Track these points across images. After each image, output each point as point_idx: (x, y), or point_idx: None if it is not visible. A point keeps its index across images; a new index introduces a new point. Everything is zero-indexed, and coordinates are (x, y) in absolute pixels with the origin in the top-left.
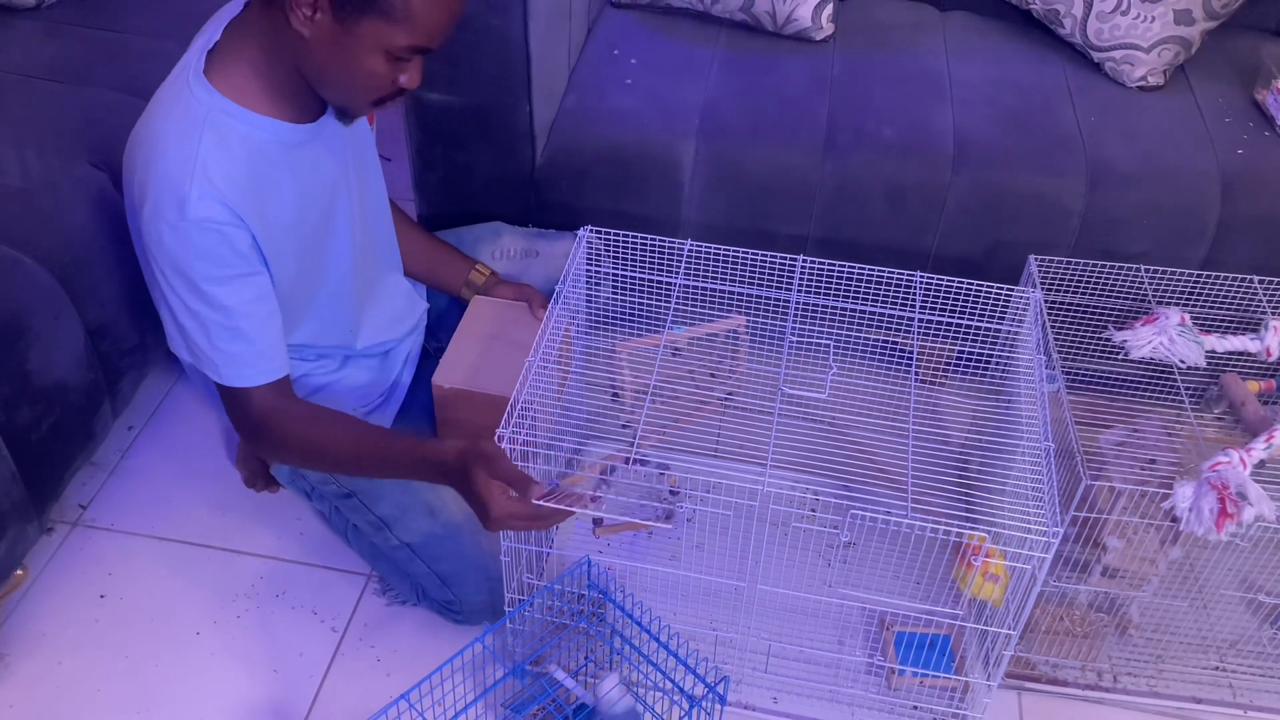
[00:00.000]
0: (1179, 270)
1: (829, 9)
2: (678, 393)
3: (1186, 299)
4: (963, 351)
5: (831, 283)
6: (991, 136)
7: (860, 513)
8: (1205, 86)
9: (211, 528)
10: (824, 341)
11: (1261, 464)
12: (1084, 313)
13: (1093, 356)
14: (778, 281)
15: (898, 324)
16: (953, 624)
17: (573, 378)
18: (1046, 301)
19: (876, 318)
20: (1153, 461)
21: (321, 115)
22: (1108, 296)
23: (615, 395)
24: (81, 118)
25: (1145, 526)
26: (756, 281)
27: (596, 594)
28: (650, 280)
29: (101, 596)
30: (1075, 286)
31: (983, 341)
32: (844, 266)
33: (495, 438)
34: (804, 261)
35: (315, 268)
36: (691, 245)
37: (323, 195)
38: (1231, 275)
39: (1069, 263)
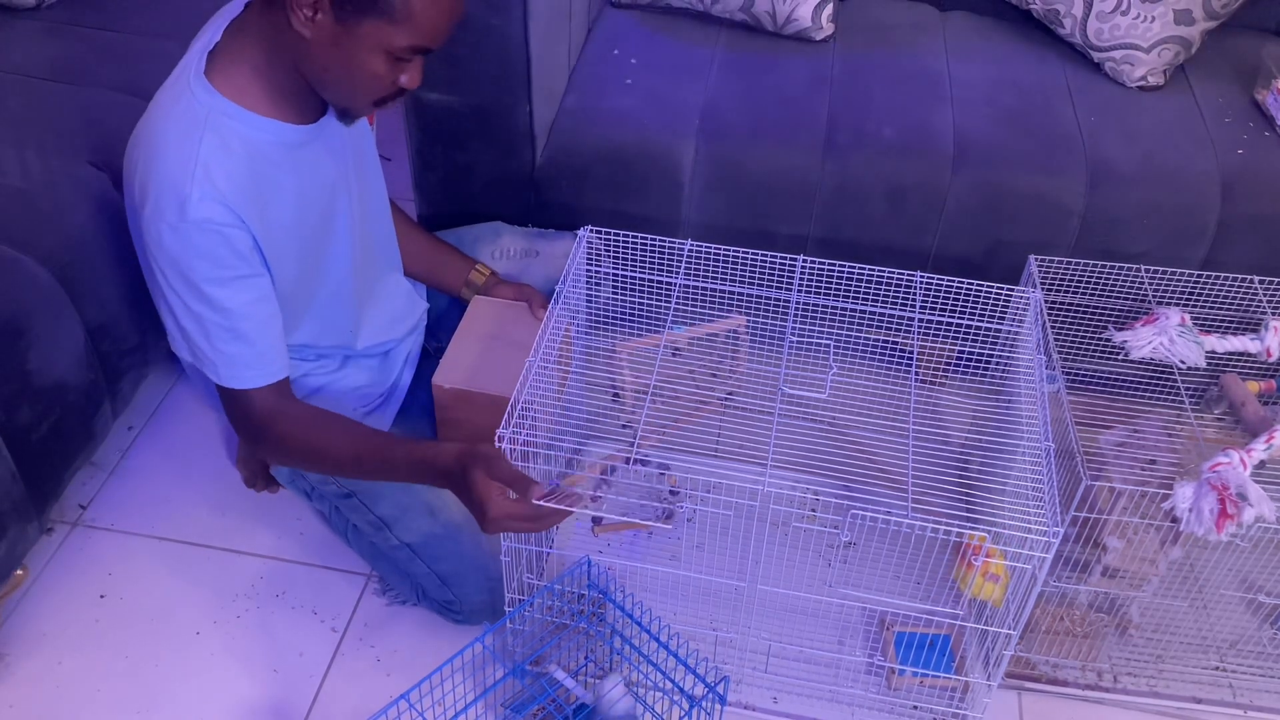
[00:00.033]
0: (1179, 270)
1: (829, 9)
2: (678, 393)
3: (1186, 299)
4: (963, 351)
5: (831, 283)
6: (991, 136)
7: (860, 513)
8: (1205, 86)
9: (211, 528)
10: (824, 341)
11: (1261, 464)
12: (1084, 313)
13: (1093, 356)
14: (778, 281)
15: (898, 324)
16: (953, 624)
17: (573, 378)
18: (1046, 301)
19: (876, 318)
20: (1153, 462)
21: (322, 116)
22: (1108, 296)
23: (616, 395)
24: (81, 118)
25: (1145, 527)
26: (756, 281)
27: (596, 594)
28: (650, 280)
29: (101, 596)
30: (1075, 286)
31: (983, 341)
32: (844, 266)
33: (495, 438)
34: (804, 261)
35: (315, 268)
36: (691, 245)
37: (323, 196)
38: (1231, 275)
39: (1069, 263)
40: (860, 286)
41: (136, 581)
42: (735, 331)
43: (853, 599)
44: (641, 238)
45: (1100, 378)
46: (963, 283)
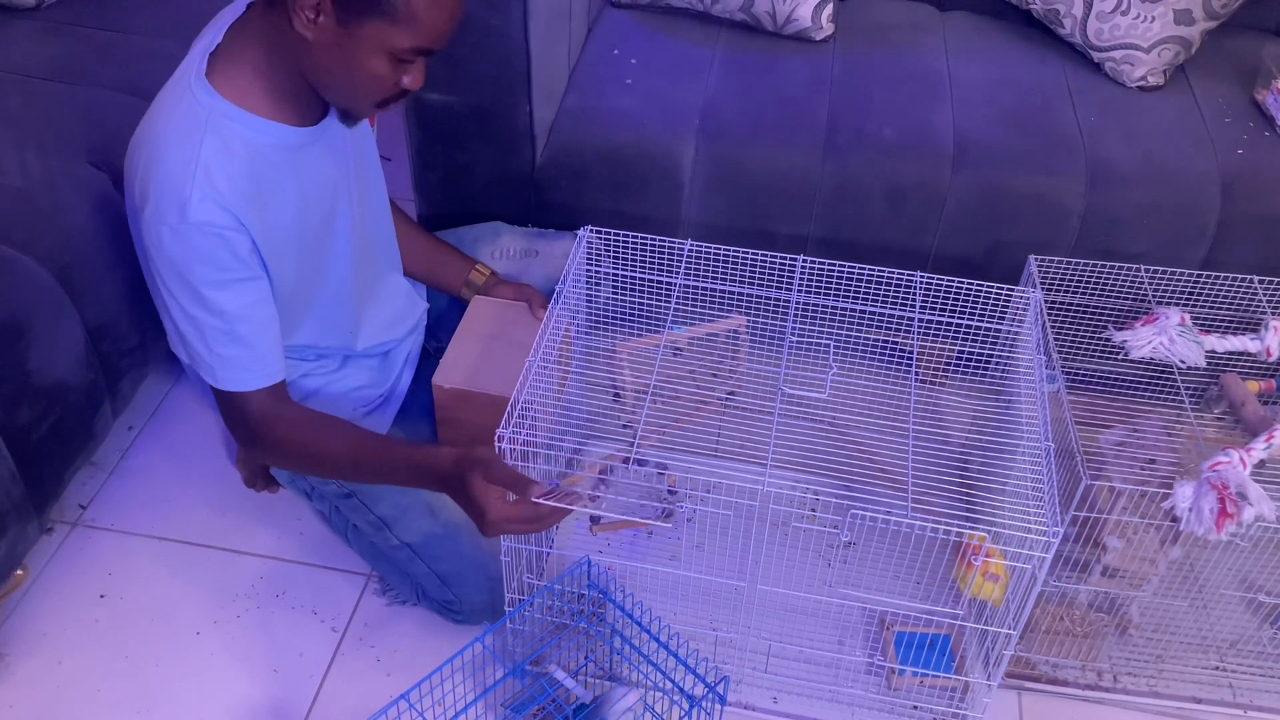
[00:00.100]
0: (1179, 270)
1: (829, 9)
2: (678, 393)
3: (1186, 299)
4: (963, 351)
5: (831, 283)
6: (991, 136)
7: (860, 513)
8: (1205, 86)
9: (211, 528)
10: (824, 341)
11: (1261, 464)
12: (1084, 313)
13: (1093, 356)
14: (778, 281)
15: (898, 324)
16: (953, 624)
17: (573, 378)
18: (1046, 301)
19: (876, 318)
20: (1153, 461)
21: (324, 118)
22: (1108, 296)
23: (617, 395)
24: (81, 118)
25: (1145, 526)
26: (756, 281)
27: (596, 594)
28: (650, 280)
29: (101, 596)
30: (1075, 286)
31: (983, 341)
32: (844, 266)
33: (495, 438)
34: (804, 261)
35: (316, 269)
36: (691, 245)
37: (324, 198)
38: (1231, 275)
39: (1069, 263)
40: (860, 286)
41: (136, 581)
42: (735, 331)
43: (853, 599)
44: (641, 238)
45: (1100, 378)
46: (963, 283)
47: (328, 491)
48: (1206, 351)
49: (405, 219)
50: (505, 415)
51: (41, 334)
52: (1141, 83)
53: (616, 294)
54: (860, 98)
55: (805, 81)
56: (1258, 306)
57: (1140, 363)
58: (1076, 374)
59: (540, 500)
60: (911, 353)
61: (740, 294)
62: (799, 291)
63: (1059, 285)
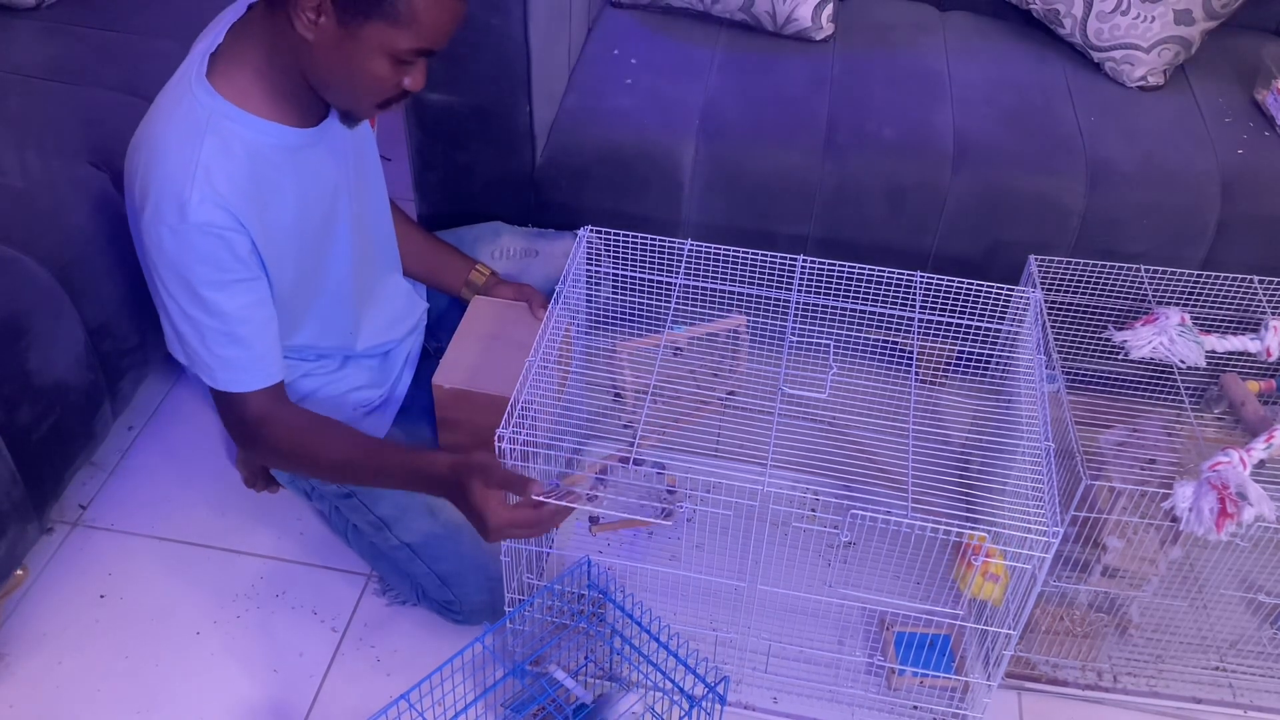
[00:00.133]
0: (1179, 270)
1: (829, 9)
2: (678, 392)
3: (1186, 299)
4: (963, 351)
5: (831, 283)
6: (991, 136)
7: (860, 513)
8: (1205, 86)
9: (211, 528)
10: (824, 341)
11: (1261, 464)
12: (1084, 313)
13: (1093, 356)
14: (778, 281)
15: (898, 324)
16: (953, 624)
17: (573, 378)
18: (1046, 301)
19: (876, 318)
20: (1153, 461)
21: (324, 119)
22: (1108, 296)
23: (617, 395)
24: (81, 118)
25: (1145, 526)
26: (756, 281)
27: (596, 594)
28: (650, 280)
29: (101, 596)
30: (1075, 286)
31: (983, 341)
32: (844, 266)
33: (495, 438)
34: (804, 261)
35: (316, 270)
36: (691, 245)
37: (325, 198)
38: (1231, 275)
39: (1069, 263)
40: (860, 286)
41: (136, 581)
42: (735, 331)
43: (853, 599)
44: (641, 238)
45: (1100, 378)
46: (963, 283)
47: (328, 491)
48: (1206, 351)
49: (405, 219)
50: (505, 415)
51: (41, 334)
52: (1141, 83)
53: (616, 294)
54: (860, 98)
55: (805, 81)
56: (1258, 306)
57: (1140, 363)
58: (1076, 374)
59: (540, 499)
60: (911, 353)
61: (740, 294)
62: (799, 291)
63: (1059, 285)
